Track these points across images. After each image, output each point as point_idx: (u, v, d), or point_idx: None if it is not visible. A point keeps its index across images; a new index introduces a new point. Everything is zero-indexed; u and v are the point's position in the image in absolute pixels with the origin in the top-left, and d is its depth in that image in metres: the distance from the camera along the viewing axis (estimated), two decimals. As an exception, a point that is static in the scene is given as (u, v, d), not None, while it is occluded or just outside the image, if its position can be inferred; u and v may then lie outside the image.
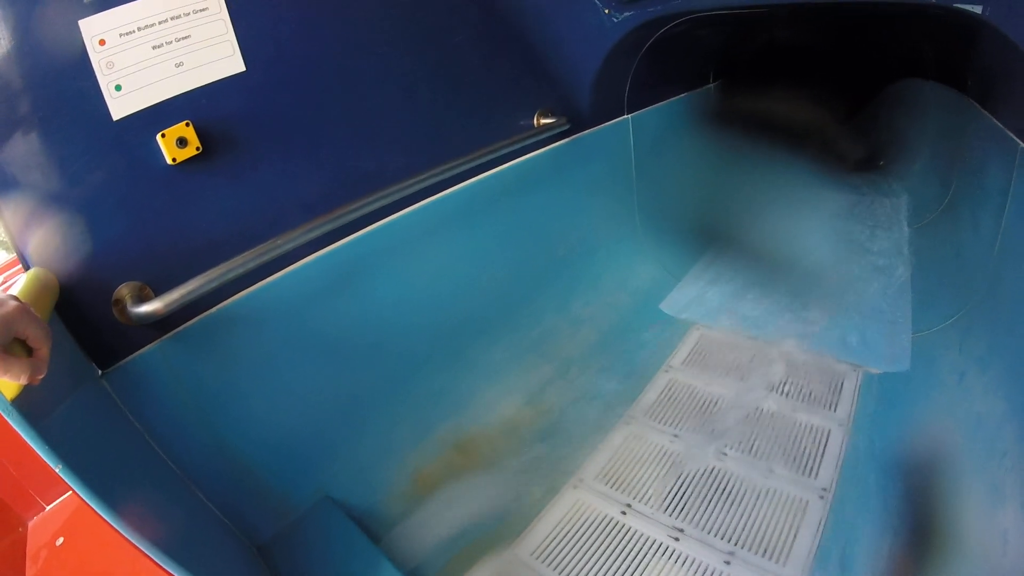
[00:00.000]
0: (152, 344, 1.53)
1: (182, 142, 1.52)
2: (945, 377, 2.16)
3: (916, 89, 3.88)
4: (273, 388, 1.79)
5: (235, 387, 1.70)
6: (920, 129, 3.79)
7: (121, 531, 1.10)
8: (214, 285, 1.51)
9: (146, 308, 1.44)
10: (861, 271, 3.02)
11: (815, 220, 3.52)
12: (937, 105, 3.54)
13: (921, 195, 3.48)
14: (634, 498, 2.02)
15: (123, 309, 1.47)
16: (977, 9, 1.75)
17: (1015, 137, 2.04)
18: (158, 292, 1.50)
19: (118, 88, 1.44)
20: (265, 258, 1.61)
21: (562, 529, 1.94)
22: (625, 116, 3.02)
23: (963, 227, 2.68)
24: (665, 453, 2.18)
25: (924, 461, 1.91)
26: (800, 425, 2.21)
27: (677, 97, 3.54)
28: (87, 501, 1.08)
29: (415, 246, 2.17)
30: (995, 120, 2.30)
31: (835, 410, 2.25)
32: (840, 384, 2.36)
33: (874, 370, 2.39)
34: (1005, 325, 1.99)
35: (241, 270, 1.56)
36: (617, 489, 2.06)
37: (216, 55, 1.61)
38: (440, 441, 2.19)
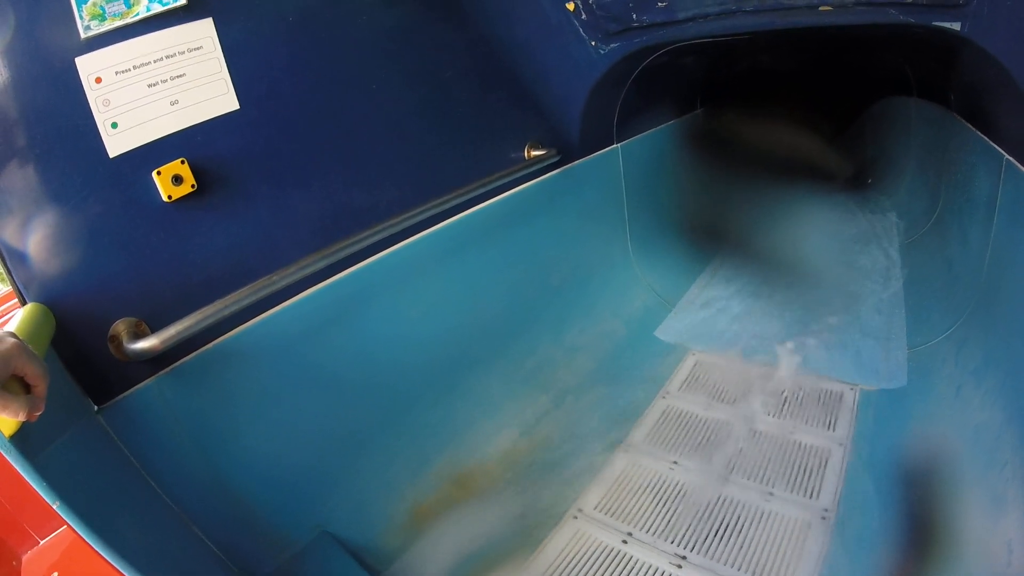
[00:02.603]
0: (148, 380, 1.52)
1: (177, 179, 1.54)
2: (942, 391, 2.16)
3: (900, 106, 3.95)
4: (270, 423, 1.78)
5: (232, 422, 1.69)
6: (906, 145, 3.85)
7: (117, 566, 1.09)
8: (210, 321, 1.51)
9: (142, 344, 1.44)
10: (854, 289, 3.04)
11: (807, 240, 3.55)
12: (922, 121, 3.60)
13: (910, 210, 3.52)
14: (635, 527, 2.00)
15: (119, 345, 1.47)
16: (956, 26, 1.79)
17: (999, 149, 2.08)
18: (154, 328, 1.50)
19: (114, 126, 1.46)
20: (260, 294, 1.61)
21: (563, 561, 1.91)
22: (615, 145, 3.06)
23: (952, 240, 2.71)
24: (665, 480, 2.16)
25: (925, 476, 1.91)
26: (799, 446, 2.20)
27: (665, 124, 3.60)
28: (83, 537, 1.07)
29: (409, 280, 2.18)
30: (979, 133, 2.33)
31: (834, 430, 2.24)
32: (838, 403, 2.36)
33: (871, 387, 2.40)
34: (999, 336, 2.00)
35: (236, 306, 1.57)
36: (617, 518, 2.04)
37: (210, 93, 1.64)
38: (437, 474, 2.16)
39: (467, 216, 2.35)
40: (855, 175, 4.46)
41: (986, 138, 2.25)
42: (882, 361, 2.49)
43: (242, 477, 1.70)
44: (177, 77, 1.58)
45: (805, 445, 2.20)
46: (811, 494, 2.00)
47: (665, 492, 2.11)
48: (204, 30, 1.63)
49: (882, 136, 4.34)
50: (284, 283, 1.67)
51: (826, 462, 2.11)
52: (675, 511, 2.03)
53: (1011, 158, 2.00)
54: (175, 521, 1.50)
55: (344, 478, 1.95)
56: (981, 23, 1.74)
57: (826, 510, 1.93)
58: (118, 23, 1.46)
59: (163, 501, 1.48)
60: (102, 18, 1.44)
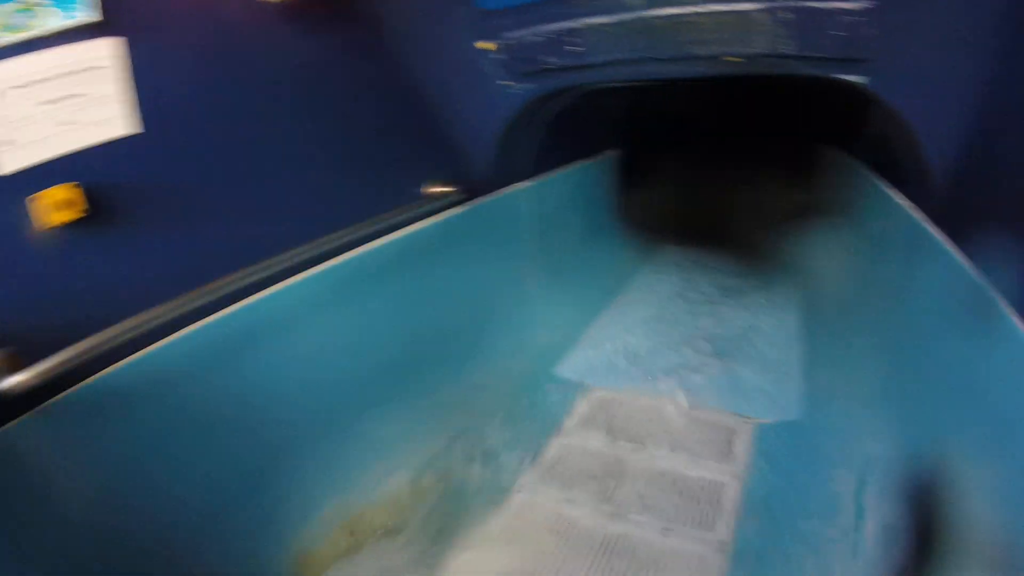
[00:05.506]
0: (22, 417, 1.40)
1: (66, 204, 1.46)
2: (836, 423, 2.28)
3: (811, 152, 4.17)
4: (144, 468, 1.66)
5: (106, 467, 1.57)
6: (812, 188, 4.06)
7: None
8: (88, 357, 1.42)
9: (15, 379, 1.33)
10: (751, 324, 3.18)
11: (707, 278, 3.69)
12: (828, 166, 3.82)
13: (811, 250, 3.71)
14: (534, 566, 1.98)
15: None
16: (862, 80, 1.92)
17: (897, 196, 2.23)
18: (29, 361, 1.39)
19: (7, 143, 1.38)
20: (142, 329, 1.53)
21: (457, 607, 1.87)
22: (525, 184, 3.09)
23: (848, 278, 2.88)
24: (561, 519, 2.14)
25: (819, 507, 2.00)
26: (695, 481, 2.25)
27: (578, 165, 3.67)
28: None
29: (302, 316, 2.09)
30: (879, 180, 2.49)
31: (730, 463, 2.31)
32: (733, 437, 2.44)
33: (766, 420, 2.50)
34: (892, 369, 2.12)
35: (116, 341, 1.48)
36: (513, 560, 2.01)
37: (109, 114, 1.58)
38: (327, 520, 2.08)
39: (364, 253, 2.28)
40: (764, 215, 4.65)
41: (884, 184, 2.40)
42: (777, 394, 2.61)
43: (113, 525, 1.58)
44: (76, 96, 1.52)
45: (701, 479, 2.26)
46: (708, 528, 2.05)
47: (562, 531, 2.09)
48: (111, 49, 1.58)
49: (791, 179, 4.54)
50: (168, 317, 1.59)
51: (721, 496, 2.17)
52: (572, 550, 2.02)
53: (908, 206, 2.15)
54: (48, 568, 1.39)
55: (223, 527, 1.84)
56: (885, 78, 1.87)
57: (723, 542, 1.98)
58: (20, 36, 1.40)
59: (28, 545, 1.37)
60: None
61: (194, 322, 1.75)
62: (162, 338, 1.68)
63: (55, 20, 1.46)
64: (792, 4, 1.86)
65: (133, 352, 1.62)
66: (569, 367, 3.08)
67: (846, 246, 3.17)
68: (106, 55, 1.57)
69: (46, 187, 1.44)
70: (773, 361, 2.82)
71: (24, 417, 1.41)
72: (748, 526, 2.03)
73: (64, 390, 1.48)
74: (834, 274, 3.28)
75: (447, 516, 2.20)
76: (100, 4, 1.54)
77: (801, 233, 4.07)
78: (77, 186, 1.48)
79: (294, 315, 2.07)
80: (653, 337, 3.26)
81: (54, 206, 1.45)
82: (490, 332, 2.99)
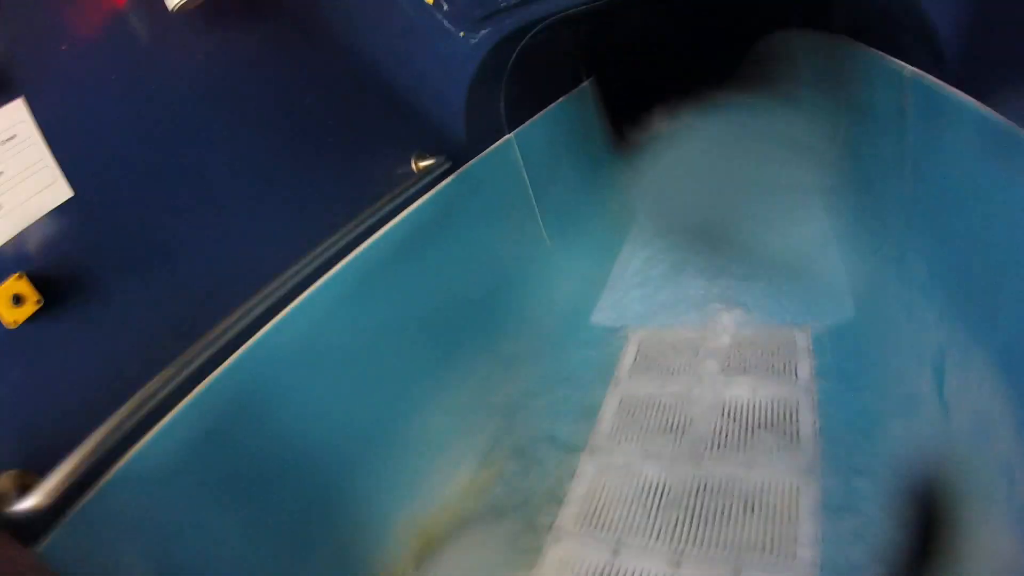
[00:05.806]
0: (52, 534, 1.25)
1: (18, 299, 1.30)
2: (893, 314, 2.11)
3: (788, 41, 3.94)
4: (195, 545, 1.52)
5: (155, 560, 1.43)
6: (798, 78, 3.84)
7: None
8: (101, 450, 1.27)
9: (33, 498, 1.18)
10: (779, 229, 2.99)
11: (719, 191, 3.50)
12: (810, 51, 3.58)
13: (816, 141, 3.50)
14: (623, 534, 1.88)
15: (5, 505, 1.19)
16: None
17: (899, 62, 2.02)
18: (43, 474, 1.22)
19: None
20: (148, 406, 1.37)
21: (555, 590, 1.77)
22: (508, 136, 2.90)
23: (867, 161, 2.68)
24: (640, 476, 2.04)
25: (900, 407, 1.85)
26: (767, 403, 2.13)
27: (556, 103, 3.45)
28: None
29: (316, 338, 1.92)
30: (876, 52, 2.28)
31: (795, 379, 2.18)
32: (793, 348, 2.31)
33: (821, 325, 2.34)
34: (940, 247, 1.92)
35: (127, 425, 1.32)
36: (601, 529, 1.91)
37: (38, 186, 1.40)
38: (402, 533, 1.98)
39: (365, 250, 2.10)
40: (752, 119, 4.45)
41: (883, 54, 2.19)
42: (824, 295, 2.45)
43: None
44: (-2, 175, 1.34)
45: (772, 401, 2.13)
46: (791, 449, 1.93)
47: (644, 488, 1.99)
48: (16, 115, 1.39)
49: (773, 74, 4.32)
50: (171, 387, 1.42)
51: (797, 413, 2.04)
52: (659, 506, 1.92)
53: (913, 68, 1.94)
54: None
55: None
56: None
57: (811, 462, 1.87)
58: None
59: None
60: None
61: (204, 378, 1.58)
62: (174, 406, 1.51)
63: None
64: None
65: (146, 432, 1.46)
66: (604, 313, 2.94)
67: (854, 127, 2.95)
68: (15, 122, 1.39)
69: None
70: (812, 262, 2.64)
71: (53, 533, 1.27)
72: (832, 441, 1.91)
73: (83, 494, 1.32)
74: (847, 159, 3.07)
75: (522, 499, 2.09)
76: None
77: (795, 119, 3.87)
78: (22, 277, 1.31)
79: (311, 335, 1.90)
80: (680, 262, 3.09)
81: (6, 306, 1.28)
82: (515, 295, 2.83)
